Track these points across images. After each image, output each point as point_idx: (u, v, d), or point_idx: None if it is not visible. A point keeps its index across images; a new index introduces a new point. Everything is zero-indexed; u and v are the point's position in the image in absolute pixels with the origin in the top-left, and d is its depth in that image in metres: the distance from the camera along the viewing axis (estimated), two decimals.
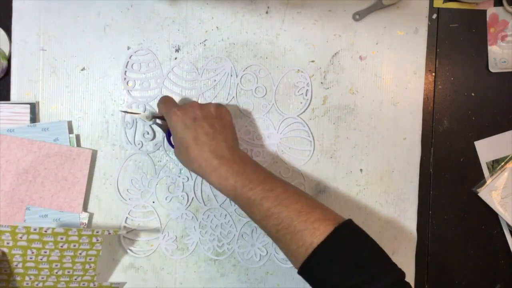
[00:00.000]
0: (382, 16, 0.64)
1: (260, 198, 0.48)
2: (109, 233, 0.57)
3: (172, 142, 0.58)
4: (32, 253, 0.56)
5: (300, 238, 0.46)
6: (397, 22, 0.64)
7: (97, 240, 0.58)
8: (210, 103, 0.57)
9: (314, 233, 0.45)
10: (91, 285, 0.60)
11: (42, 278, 0.58)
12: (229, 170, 0.50)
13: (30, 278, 0.58)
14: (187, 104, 0.55)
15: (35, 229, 0.55)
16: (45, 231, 0.55)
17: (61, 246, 0.57)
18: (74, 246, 0.57)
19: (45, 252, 0.57)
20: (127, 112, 0.61)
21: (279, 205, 0.48)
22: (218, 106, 0.57)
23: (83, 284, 0.60)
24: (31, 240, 0.55)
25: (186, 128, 0.53)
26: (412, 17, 0.64)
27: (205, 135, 0.52)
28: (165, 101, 0.57)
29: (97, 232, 0.57)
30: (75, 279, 0.59)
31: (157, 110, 0.61)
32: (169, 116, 0.54)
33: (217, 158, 0.51)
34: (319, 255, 0.45)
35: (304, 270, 0.46)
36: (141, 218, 0.64)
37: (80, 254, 0.58)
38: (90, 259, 0.59)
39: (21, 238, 0.55)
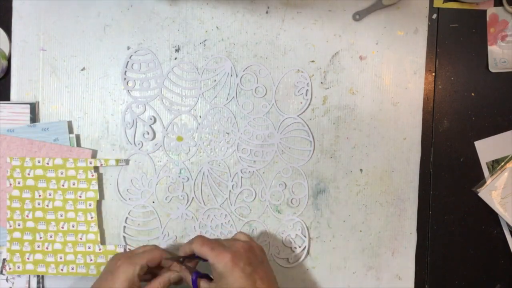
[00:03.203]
0: (382, 16, 0.64)
1: None
2: (101, 164, 0.61)
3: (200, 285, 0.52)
4: (40, 196, 0.60)
5: None
6: (397, 22, 0.64)
7: (92, 175, 0.60)
8: (240, 242, 0.52)
9: None
10: (97, 249, 0.61)
11: (51, 237, 0.61)
12: None
13: (41, 237, 0.61)
14: (235, 247, 0.50)
15: (39, 161, 0.60)
16: (47, 163, 0.60)
17: (63, 185, 0.60)
18: (74, 184, 0.60)
19: (50, 195, 0.60)
20: None
21: None
22: (251, 244, 0.52)
23: (89, 248, 0.61)
24: (38, 176, 0.60)
25: (246, 277, 0.48)
26: (412, 17, 0.64)
27: (260, 282, 0.49)
28: (210, 243, 0.51)
29: (90, 163, 0.60)
30: (80, 238, 0.61)
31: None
32: (222, 262, 0.49)
33: None
34: None
35: None
36: (141, 218, 0.64)
37: (80, 197, 0.60)
38: (90, 204, 0.61)
39: (29, 174, 0.60)
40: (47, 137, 0.62)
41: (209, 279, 0.53)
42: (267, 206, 0.64)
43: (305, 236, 0.64)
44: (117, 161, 0.61)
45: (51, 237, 0.61)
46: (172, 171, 0.64)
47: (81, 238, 0.61)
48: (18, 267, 0.61)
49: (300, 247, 0.64)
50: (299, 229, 0.64)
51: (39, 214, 0.61)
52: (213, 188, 0.64)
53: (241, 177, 0.64)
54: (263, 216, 0.64)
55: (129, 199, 0.63)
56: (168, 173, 0.63)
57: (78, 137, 0.63)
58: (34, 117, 0.62)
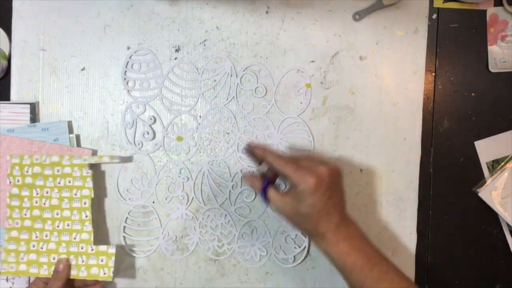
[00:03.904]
0: (382, 16, 0.64)
1: (376, 280, 0.50)
2: (95, 161, 0.61)
3: (269, 195, 0.54)
4: (37, 194, 0.60)
5: None
6: (397, 22, 0.64)
7: (87, 173, 0.60)
8: (321, 163, 0.52)
9: None
10: (89, 249, 0.60)
11: (46, 236, 0.60)
12: (351, 246, 0.51)
13: (37, 236, 0.60)
14: (319, 171, 0.51)
15: (37, 159, 0.60)
16: (44, 161, 0.60)
17: (59, 183, 0.60)
18: (69, 182, 0.60)
19: (47, 193, 0.60)
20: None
21: None
22: (331, 168, 0.53)
23: (82, 248, 0.60)
24: (35, 174, 0.60)
25: (323, 201, 0.51)
26: (412, 17, 0.64)
27: (333, 207, 0.51)
28: (293, 164, 0.52)
29: (85, 160, 0.60)
30: (74, 238, 0.60)
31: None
32: (305, 184, 0.50)
33: (339, 231, 0.51)
34: None
35: None
36: (141, 218, 0.64)
37: (76, 195, 0.60)
38: (84, 203, 0.60)
39: (27, 172, 0.60)
40: (47, 137, 0.62)
41: (276, 187, 0.55)
42: (267, 206, 0.64)
43: (305, 236, 0.64)
44: (111, 157, 0.61)
45: (46, 236, 0.61)
46: (172, 171, 0.64)
47: (75, 238, 0.60)
48: (12, 268, 0.60)
49: (300, 247, 0.64)
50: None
51: (36, 212, 0.61)
52: (213, 188, 0.64)
53: (241, 177, 0.64)
54: (263, 216, 0.64)
55: (129, 199, 0.63)
56: (168, 173, 0.63)
57: (78, 137, 0.63)
58: (34, 117, 0.62)
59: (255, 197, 0.64)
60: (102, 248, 0.60)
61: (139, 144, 0.63)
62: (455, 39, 0.64)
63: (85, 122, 0.63)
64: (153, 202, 0.64)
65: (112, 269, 0.60)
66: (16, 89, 0.63)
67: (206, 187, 0.64)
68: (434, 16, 0.64)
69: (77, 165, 0.60)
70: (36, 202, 0.60)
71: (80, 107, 0.63)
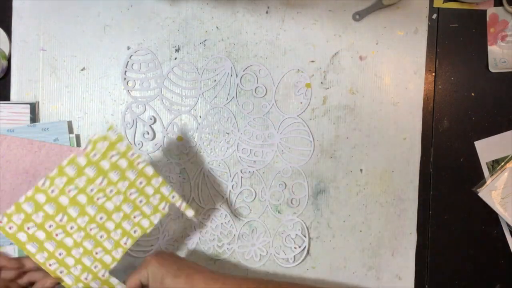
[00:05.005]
0: (382, 16, 0.64)
1: None
2: (180, 206, 0.54)
3: None
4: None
5: None
6: (397, 22, 0.64)
7: (163, 208, 0.54)
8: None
9: None
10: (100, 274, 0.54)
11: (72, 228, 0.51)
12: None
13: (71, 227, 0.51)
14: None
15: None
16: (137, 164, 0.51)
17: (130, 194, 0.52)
18: (141, 202, 0.53)
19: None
20: None
21: None
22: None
23: (96, 267, 0.54)
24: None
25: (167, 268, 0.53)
26: (412, 17, 0.64)
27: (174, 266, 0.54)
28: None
29: (173, 197, 0.54)
30: (96, 253, 0.53)
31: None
32: (142, 270, 0.54)
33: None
34: None
35: None
36: None
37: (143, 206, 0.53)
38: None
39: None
40: (47, 137, 0.62)
41: None
42: (267, 206, 0.64)
43: (305, 236, 0.64)
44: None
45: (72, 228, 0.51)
46: (172, 171, 0.64)
47: (96, 253, 0.53)
48: (11, 228, 0.50)
49: (300, 247, 0.64)
50: (299, 229, 0.64)
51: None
52: (212, 189, 0.64)
53: (241, 177, 0.64)
54: (263, 216, 0.64)
55: None
56: (168, 173, 0.63)
57: (78, 137, 0.63)
58: (34, 117, 0.62)
59: (255, 197, 0.64)
60: (113, 280, 0.54)
61: (139, 144, 0.63)
62: (455, 39, 0.64)
63: (85, 122, 0.63)
64: None
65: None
66: (16, 89, 0.63)
67: (206, 187, 0.64)
68: (434, 16, 0.64)
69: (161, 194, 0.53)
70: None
71: (80, 107, 0.63)
